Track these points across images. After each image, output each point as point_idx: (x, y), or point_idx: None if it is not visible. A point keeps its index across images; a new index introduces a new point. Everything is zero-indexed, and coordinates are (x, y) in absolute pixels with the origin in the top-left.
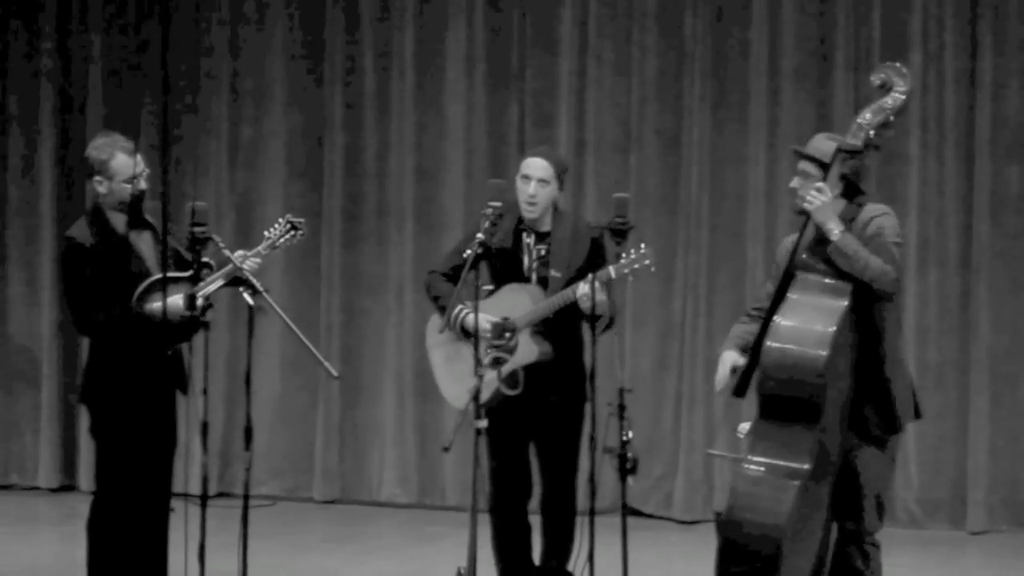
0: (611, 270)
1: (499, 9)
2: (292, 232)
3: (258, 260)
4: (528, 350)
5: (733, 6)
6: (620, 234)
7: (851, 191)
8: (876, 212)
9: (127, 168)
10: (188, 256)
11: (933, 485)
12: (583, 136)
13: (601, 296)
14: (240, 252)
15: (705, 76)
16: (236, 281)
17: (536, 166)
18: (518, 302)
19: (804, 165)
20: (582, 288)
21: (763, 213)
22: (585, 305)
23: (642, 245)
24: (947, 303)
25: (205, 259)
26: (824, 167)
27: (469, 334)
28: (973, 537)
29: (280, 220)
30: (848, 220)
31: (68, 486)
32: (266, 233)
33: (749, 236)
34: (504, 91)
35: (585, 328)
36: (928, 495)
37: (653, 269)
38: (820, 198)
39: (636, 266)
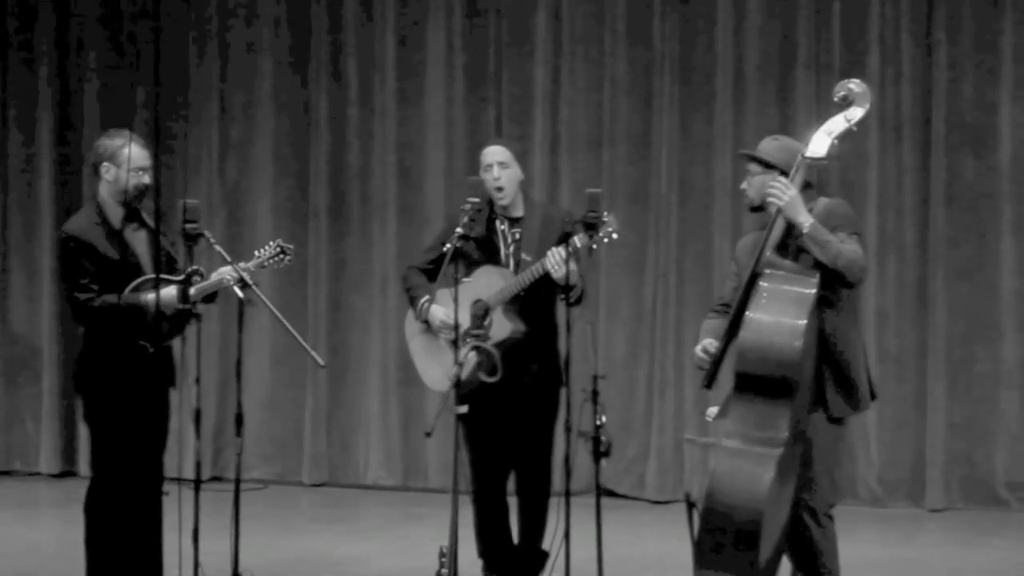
0: (576, 239)
1: (476, 13)
2: (280, 255)
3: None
4: (501, 327)
5: (699, 9)
6: (592, 228)
7: (804, 185)
8: (832, 205)
9: (137, 157)
10: (180, 263)
11: (893, 465)
12: (557, 134)
13: (572, 265)
14: (229, 267)
15: (673, 76)
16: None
17: (493, 152)
18: (491, 283)
19: (750, 165)
20: (550, 258)
21: (729, 206)
22: (557, 275)
23: (605, 214)
24: (905, 291)
25: (196, 267)
26: (769, 167)
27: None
28: (931, 514)
29: (271, 243)
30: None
31: (68, 472)
32: (256, 252)
33: (716, 228)
34: (482, 91)
35: (559, 313)
36: (888, 474)
37: (616, 236)
38: (788, 192)
39: (600, 234)
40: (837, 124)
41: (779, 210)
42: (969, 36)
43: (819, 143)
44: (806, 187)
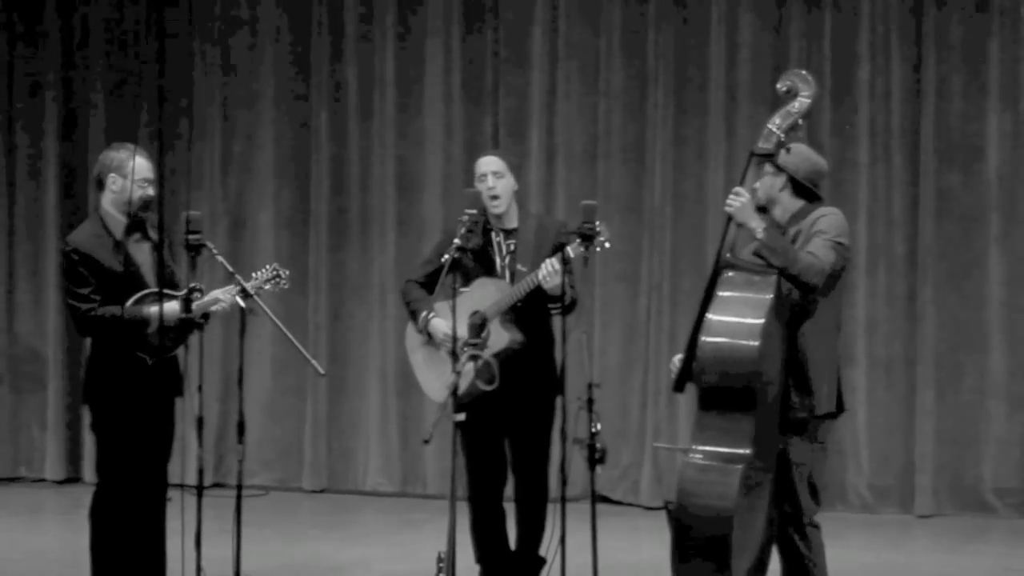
0: (570, 249)
1: (474, 28)
2: (276, 279)
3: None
4: (499, 338)
5: (693, 25)
6: (587, 239)
7: (811, 195)
8: (823, 212)
9: (142, 168)
10: (180, 277)
11: (883, 472)
12: (553, 147)
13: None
14: (229, 287)
15: (667, 89)
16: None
17: (488, 162)
18: (487, 294)
19: (765, 165)
20: (543, 268)
21: (722, 217)
22: (548, 285)
23: (598, 223)
24: (895, 301)
25: (196, 284)
26: (780, 170)
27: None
28: (920, 520)
29: (267, 266)
30: (799, 219)
31: (73, 478)
32: (253, 274)
33: (709, 239)
34: (479, 105)
35: (555, 324)
36: (878, 481)
37: (608, 245)
38: (739, 200)
39: (594, 243)
40: (783, 116)
41: (731, 216)
42: (957, 50)
43: (766, 137)
44: (805, 195)
